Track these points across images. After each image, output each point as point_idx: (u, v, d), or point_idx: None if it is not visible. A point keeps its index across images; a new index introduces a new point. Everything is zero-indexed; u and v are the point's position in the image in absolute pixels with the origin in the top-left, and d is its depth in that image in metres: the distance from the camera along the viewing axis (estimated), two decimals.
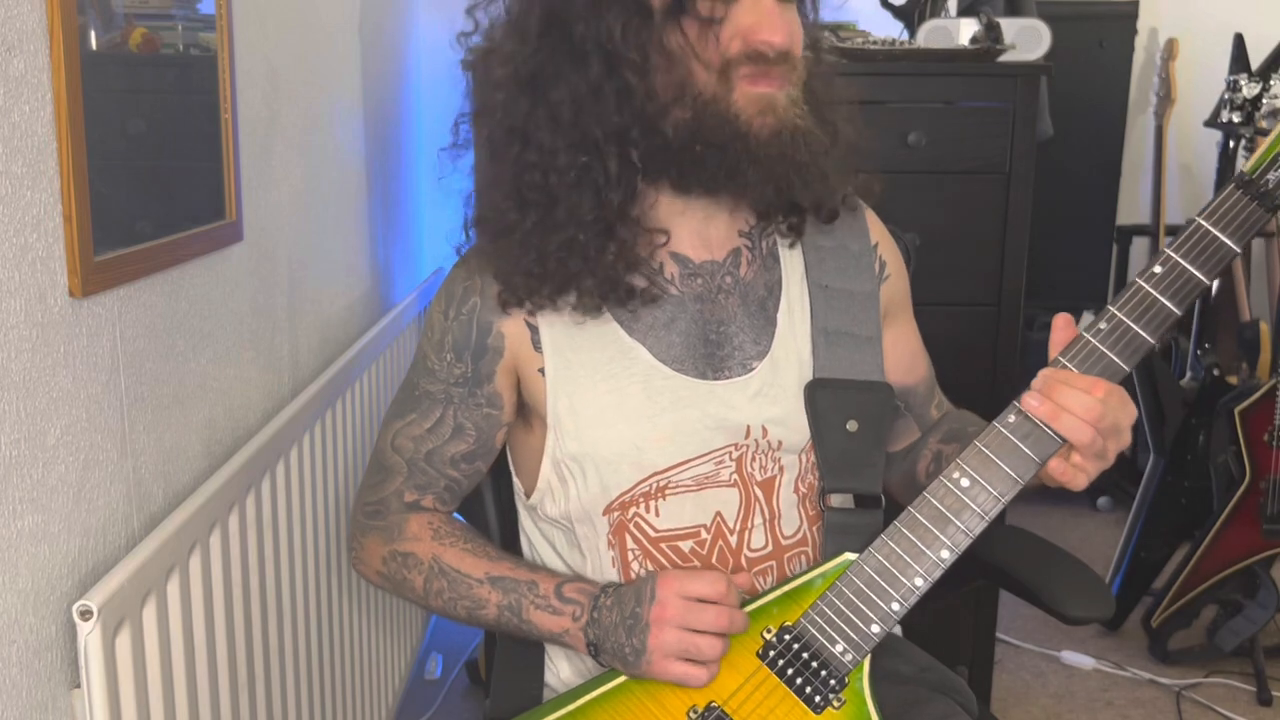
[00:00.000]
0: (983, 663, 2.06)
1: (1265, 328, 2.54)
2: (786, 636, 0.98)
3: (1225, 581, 2.39)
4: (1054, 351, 0.93)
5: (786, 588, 1.00)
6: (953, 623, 2.01)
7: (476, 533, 1.11)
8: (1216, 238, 0.89)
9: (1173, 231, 3.26)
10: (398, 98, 2.24)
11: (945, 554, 0.93)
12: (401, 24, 2.29)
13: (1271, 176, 0.89)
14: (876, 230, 1.15)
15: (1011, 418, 0.92)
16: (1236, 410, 2.32)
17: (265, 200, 1.43)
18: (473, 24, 1.05)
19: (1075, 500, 3.22)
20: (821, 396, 1.06)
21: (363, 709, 1.80)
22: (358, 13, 1.91)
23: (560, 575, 1.05)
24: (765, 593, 1.00)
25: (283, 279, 1.50)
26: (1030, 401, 0.91)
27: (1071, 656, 2.44)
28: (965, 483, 0.93)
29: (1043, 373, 0.92)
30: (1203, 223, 0.90)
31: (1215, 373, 2.48)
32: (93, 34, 0.98)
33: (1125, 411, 0.91)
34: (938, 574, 0.94)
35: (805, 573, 1.00)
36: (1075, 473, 0.92)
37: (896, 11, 2.29)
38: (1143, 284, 0.90)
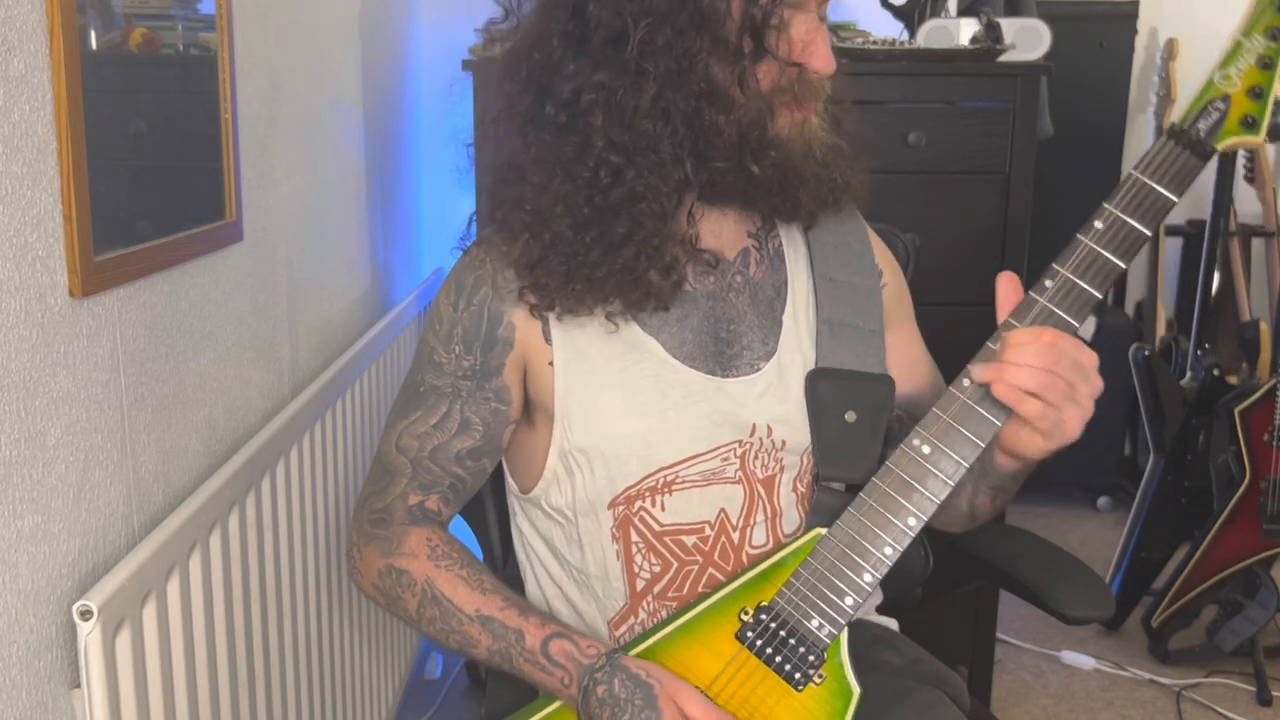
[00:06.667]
0: (983, 663, 2.06)
1: (1265, 328, 2.55)
2: (763, 616, 0.98)
3: (1225, 581, 2.39)
4: (1002, 314, 0.93)
5: (760, 568, 1.01)
6: (953, 623, 2.01)
7: (472, 556, 1.08)
8: (1154, 189, 0.90)
9: (1172, 232, 3.27)
10: (398, 97, 2.24)
11: (912, 521, 0.94)
12: (401, 24, 2.29)
13: (1202, 125, 0.90)
14: (872, 239, 1.16)
15: (965, 382, 0.93)
16: (1236, 410, 2.32)
17: (265, 200, 1.43)
18: (500, 27, 1.05)
19: (1075, 500, 3.22)
20: (822, 385, 1.06)
21: (363, 709, 1.80)
22: (358, 13, 1.91)
23: (547, 625, 1.01)
24: (739, 574, 1.01)
25: (283, 279, 1.50)
26: (976, 369, 0.91)
27: (1071, 656, 2.44)
28: (926, 449, 0.93)
29: (989, 340, 0.92)
30: (1139, 175, 0.90)
31: (1215, 373, 2.48)
32: (93, 34, 0.98)
33: (1082, 352, 0.90)
34: (907, 542, 0.94)
35: (777, 551, 1.01)
36: (1050, 412, 0.89)
37: (896, 11, 2.29)
38: (1086, 240, 0.91)
